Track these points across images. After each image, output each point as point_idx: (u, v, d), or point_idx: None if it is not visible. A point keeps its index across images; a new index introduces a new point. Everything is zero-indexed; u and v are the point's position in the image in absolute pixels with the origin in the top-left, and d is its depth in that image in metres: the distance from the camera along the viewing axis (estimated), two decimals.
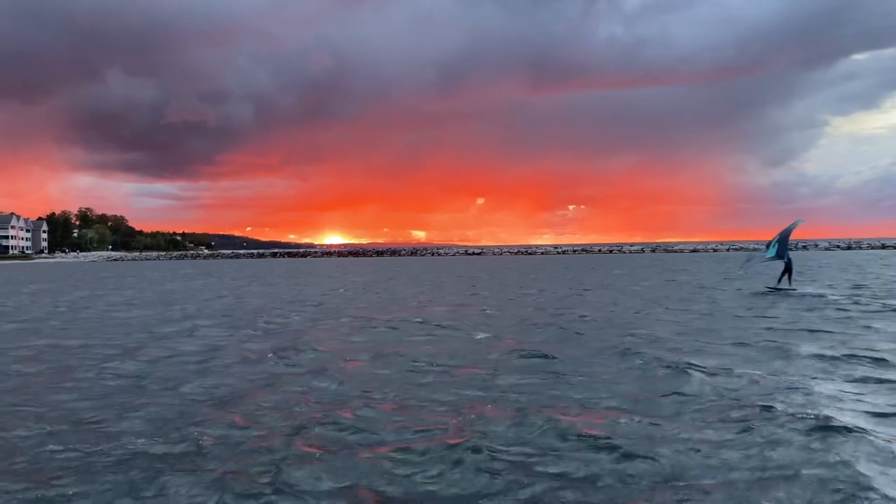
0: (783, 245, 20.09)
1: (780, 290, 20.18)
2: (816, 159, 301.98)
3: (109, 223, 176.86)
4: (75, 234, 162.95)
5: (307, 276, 40.25)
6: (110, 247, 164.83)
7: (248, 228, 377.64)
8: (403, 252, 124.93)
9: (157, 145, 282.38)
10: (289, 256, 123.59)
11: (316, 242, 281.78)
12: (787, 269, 20.46)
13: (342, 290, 25.70)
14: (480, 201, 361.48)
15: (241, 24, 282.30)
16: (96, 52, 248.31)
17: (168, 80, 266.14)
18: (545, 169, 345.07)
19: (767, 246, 20.78)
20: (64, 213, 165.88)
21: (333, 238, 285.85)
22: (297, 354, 9.86)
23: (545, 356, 9.18)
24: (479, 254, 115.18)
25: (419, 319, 14.39)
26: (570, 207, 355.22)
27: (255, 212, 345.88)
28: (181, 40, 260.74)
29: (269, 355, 9.79)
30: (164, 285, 31.94)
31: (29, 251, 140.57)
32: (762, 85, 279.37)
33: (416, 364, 8.80)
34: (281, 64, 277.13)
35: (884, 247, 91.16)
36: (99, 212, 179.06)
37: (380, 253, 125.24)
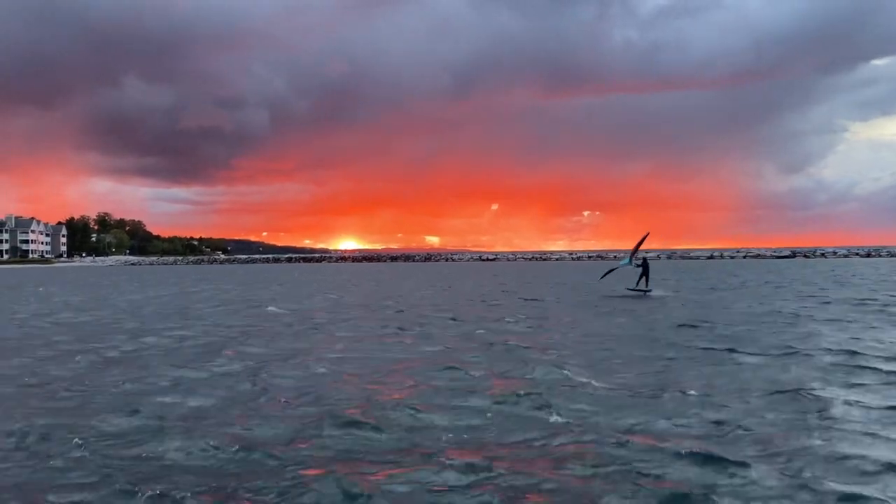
0: (633, 255, 24.58)
1: (639, 290, 23.90)
2: (835, 165, 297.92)
3: (127, 228, 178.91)
4: (94, 239, 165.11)
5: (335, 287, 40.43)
6: (128, 251, 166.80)
7: (264, 233, 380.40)
8: (417, 258, 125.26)
9: (173, 150, 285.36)
10: (304, 261, 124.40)
11: (331, 247, 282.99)
12: (644, 274, 23.95)
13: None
14: (495, 207, 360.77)
15: (257, 30, 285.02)
16: (113, 58, 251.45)
17: (184, 86, 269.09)
18: (560, 174, 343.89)
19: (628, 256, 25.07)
20: (83, 217, 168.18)
21: (348, 243, 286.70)
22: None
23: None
24: (493, 259, 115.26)
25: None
26: (585, 213, 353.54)
27: (270, 216, 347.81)
28: (197, 46, 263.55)
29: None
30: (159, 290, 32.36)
31: (49, 255, 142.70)
32: (780, 90, 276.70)
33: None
34: (296, 69, 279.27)
35: None
36: (117, 216, 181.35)
37: (394, 258, 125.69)
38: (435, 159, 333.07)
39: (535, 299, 22.74)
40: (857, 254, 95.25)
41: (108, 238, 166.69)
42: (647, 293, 23.68)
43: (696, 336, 12.21)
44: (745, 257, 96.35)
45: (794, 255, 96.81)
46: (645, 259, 24.56)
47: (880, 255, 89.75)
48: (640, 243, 24.85)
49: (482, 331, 13.41)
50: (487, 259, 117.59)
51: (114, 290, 33.85)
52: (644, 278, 23.89)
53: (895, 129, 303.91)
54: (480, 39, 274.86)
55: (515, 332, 13.37)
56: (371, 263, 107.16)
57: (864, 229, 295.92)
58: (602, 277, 28.46)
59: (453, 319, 15.88)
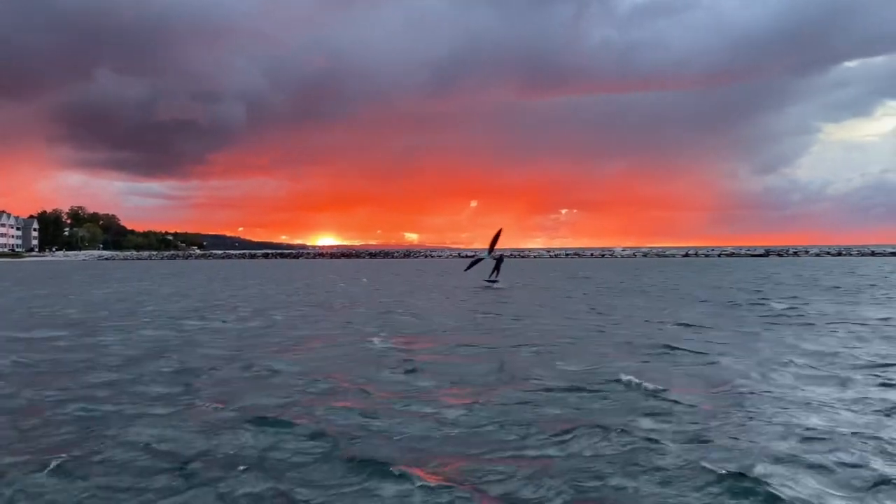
0: (490, 250, 27.92)
1: (491, 282, 27.00)
2: (809, 166, 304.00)
3: (101, 222, 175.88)
4: (66, 233, 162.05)
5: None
6: (101, 246, 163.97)
7: (240, 229, 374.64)
8: (397, 254, 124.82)
9: (147, 144, 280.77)
10: (281, 257, 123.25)
11: (308, 243, 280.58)
12: (497, 268, 27.25)
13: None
14: (474, 204, 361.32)
15: (234, 24, 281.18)
16: (86, 50, 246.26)
17: (159, 79, 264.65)
18: (538, 172, 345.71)
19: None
20: (55, 211, 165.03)
21: (326, 239, 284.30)
22: None
23: None
24: (471, 256, 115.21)
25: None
26: (563, 211, 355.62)
27: (246, 212, 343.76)
28: (173, 39, 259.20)
29: None
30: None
31: (20, 249, 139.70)
32: (756, 91, 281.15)
33: None
34: (274, 64, 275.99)
35: (873, 254, 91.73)
36: (90, 210, 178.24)
37: (373, 255, 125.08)
38: (414, 156, 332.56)
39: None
40: (828, 253, 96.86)
41: (81, 232, 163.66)
42: (495, 284, 26.92)
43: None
44: (719, 255, 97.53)
45: (767, 253, 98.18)
46: (501, 255, 28.28)
47: (850, 255, 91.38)
48: (495, 240, 27.73)
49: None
50: (467, 256, 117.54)
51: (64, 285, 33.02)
52: (496, 271, 27.25)
53: (866, 131, 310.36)
54: (460, 37, 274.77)
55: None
56: (349, 260, 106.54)
57: (837, 229, 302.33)
58: (467, 269, 30.94)
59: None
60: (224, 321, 14.84)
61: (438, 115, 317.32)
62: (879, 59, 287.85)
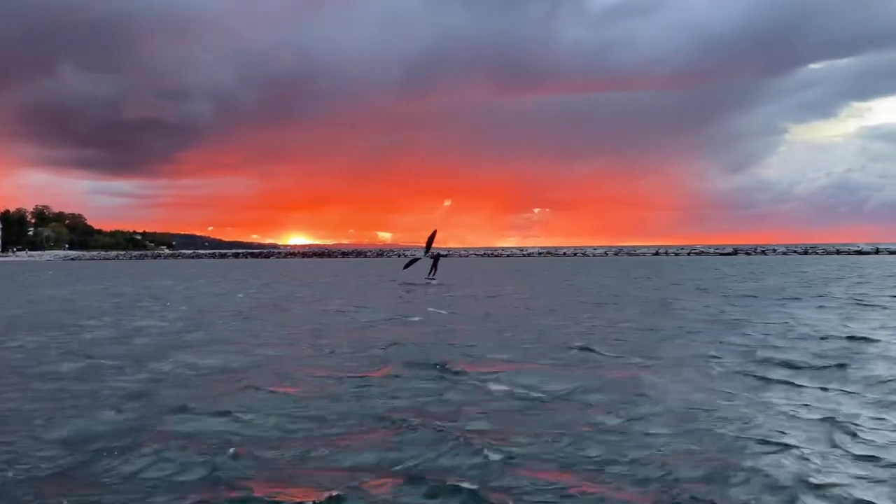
0: (427, 249, 28.83)
1: (430, 280, 27.84)
2: (776, 165, 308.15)
3: (67, 221, 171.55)
4: (31, 233, 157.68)
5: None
6: (67, 246, 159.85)
7: (210, 228, 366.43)
8: (370, 253, 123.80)
9: (114, 142, 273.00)
10: (251, 257, 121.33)
11: (279, 243, 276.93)
12: (434, 266, 28.25)
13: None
14: (447, 203, 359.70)
15: (203, 20, 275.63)
16: (49, 46, 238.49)
17: (125, 76, 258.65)
18: (511, 172, 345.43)
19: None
20: (19, 210, 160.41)
21: (298, 239, 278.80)
22: None
23: None
24: (445, 256, 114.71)
25: None
26: (536, 210, 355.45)
27: (216, 211, 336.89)
28: (140, 34, 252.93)
29: None
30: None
31: None
32: (725, 91, 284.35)
33: None
34: (243, 61, 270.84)
35: (838, 252, 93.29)
36: (55, 210, 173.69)
37: (345, 254, 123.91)
38: (387, 155, 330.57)
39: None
40: (795, 251, 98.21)
41: (46, 232, 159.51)
42: (432, 281, 27.97)
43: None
44: (689, 254, 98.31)
45: (735, 252, 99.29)
46: (438, 254, 29.47)
47: (816, 253, 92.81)
48: (431, 240, 28.88)
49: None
50: (441, 256, 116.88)
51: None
52: (433, 269, 28.29)
53: (831, 132, 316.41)
54: (432, 35, 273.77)
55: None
56: (321, 259, 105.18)
57: (803, 227, 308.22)
58: (406, 267, 31.79)
59: None
60: None
61: (411, 114, 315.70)
62: (844, 62, 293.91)
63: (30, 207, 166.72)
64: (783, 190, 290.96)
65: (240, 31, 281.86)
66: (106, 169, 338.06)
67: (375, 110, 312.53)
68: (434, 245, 29.44)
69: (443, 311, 15.36)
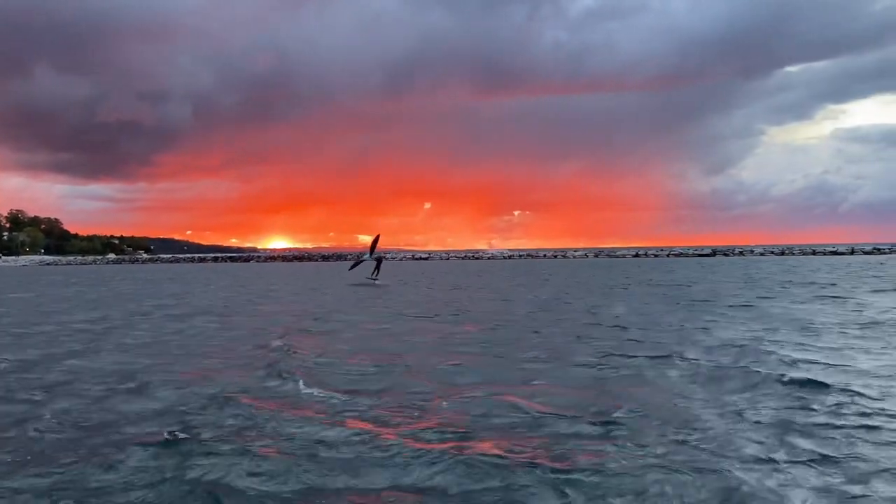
0: (371, 252, 31.25)
1: (373, 280, 30.00)
2: (753, 167, 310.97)
3: (42, 226, 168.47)
4: (5, 238, 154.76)
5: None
6: (43, 251, 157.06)
7: (189, 232, 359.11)
8: (350, 256, 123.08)
9: (90, 145, 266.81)
10: (231, 261, 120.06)
11: (259, 246, 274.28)
12: (377, 267, 30.45)
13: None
14: (427, 206, 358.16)
15: (182, 22, 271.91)
16: (23, 46, 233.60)
17: (102, 78, 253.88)
18: (491, 174, 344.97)
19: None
20: None
21: (278, 242, 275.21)
22: None
23: None
24: (426, 258, 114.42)
25: None
26: (516, 213, 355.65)
27: (195, 214, 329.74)
28: (116, 36, 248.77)
29: None
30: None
31: None
32: (703, 94, 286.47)
33: None
34: (223, 63, 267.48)
35: (814, 253, 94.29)
36: (30, 214, 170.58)
37: (325, 258, 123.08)
38: (367, 157, 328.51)
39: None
40: (772, 252, 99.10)
41: (22, 237, 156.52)
42: (376, 281, 29.99)
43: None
44: (668, 255, 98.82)
45: (714, 253, 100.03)
46: (381, 256, 31.71)
47: (793, 254, 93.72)
48: (374, 243, 31.22)
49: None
50: (421, 258, 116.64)
51: None
52: (376, 271, 30.35)
53: (808, 134, 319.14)
54: (412, 37, 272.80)
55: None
56: (301, 263, 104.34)
57: (780, 229, 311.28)
58: (351, 268, 34.11)
59: None
60: None
61: (391, 117, 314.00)
62: (820, 64, 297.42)
63: (4, 212, 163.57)
64: (761, 191, 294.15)
65: (218, 33, 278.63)
66: (82, 172, 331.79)
67: (355, 112, 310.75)
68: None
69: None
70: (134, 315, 17.46)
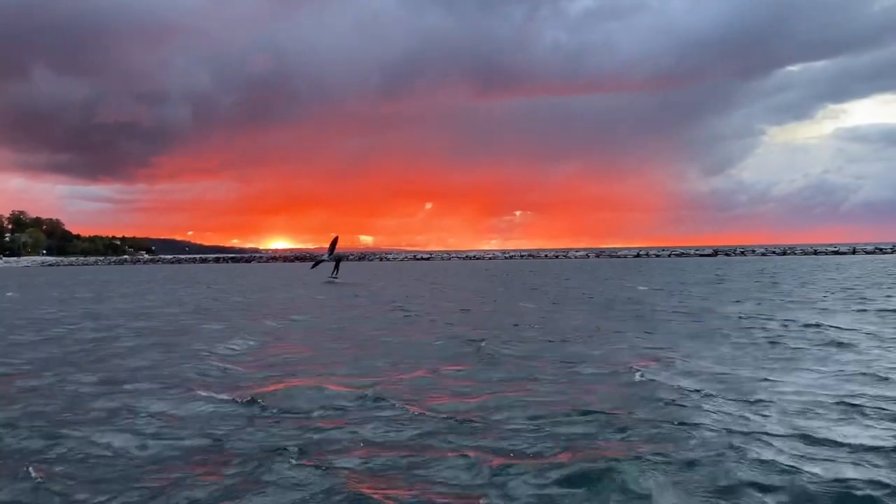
0: (330, 252, 33.79)
1: (333, 279, 31.92)
2: (753, 167, 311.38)
3: (44, 227, 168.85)
4: (7, 239, 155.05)
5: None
6: (45, 252, 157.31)
7: (190, 233, 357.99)
8: (351, 256, 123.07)
9: (90, 146, 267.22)
10: (233, 261, 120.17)
11: (260, 247, 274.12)
12: (336, 266, 32.80)
13: None
14: (428, 206, 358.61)
15: (180, 23, 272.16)
16: (21, 48, 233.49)
17: (101, 79, 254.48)
18: (492, 174, 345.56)
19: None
20: None
21: (279, 243, 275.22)
22: None
23: None
24: (427, 259, 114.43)
25: None
26: (517, 213, 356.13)
27: (196, 215, 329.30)
28: (115, 37, 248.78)
29: None
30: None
31: None
32: (703, 94, 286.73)
33: None
34: (221, 65, 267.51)
35: (816, 252, 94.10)
36: (32, 215, 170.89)
37: None
38: (367, 158, 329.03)
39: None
40: (773, 252, 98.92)
41: (24, 238, 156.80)
42: (335, 279, 32.05)
43: None
44: (669, 255, 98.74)
45: (716, 253, 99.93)
46: (339, 256, 34.36)
47: (795, 254, 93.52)
48: (333, 244, 33.64)
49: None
50: (422, 258, 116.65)
51: None
52: (335, 270, 32.73)
53: (808, 134, 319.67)
54: (411, 38, 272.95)
55: None
56: (302, 263, 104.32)
57: (781, 228, 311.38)
58: (313, 267, 37.56)
59: None
60: None
61: (391, 117, 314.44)
62: (820, 64, 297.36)
63: (6, 213, 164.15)
64: (761, 191, 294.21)
65: (216, 34, 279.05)
66: (83, 173, 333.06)
67: (355, 113, 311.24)
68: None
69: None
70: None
